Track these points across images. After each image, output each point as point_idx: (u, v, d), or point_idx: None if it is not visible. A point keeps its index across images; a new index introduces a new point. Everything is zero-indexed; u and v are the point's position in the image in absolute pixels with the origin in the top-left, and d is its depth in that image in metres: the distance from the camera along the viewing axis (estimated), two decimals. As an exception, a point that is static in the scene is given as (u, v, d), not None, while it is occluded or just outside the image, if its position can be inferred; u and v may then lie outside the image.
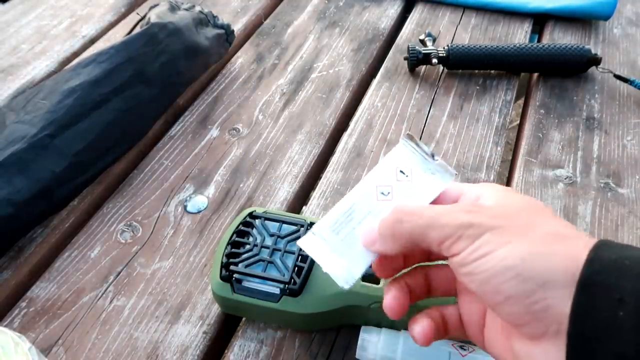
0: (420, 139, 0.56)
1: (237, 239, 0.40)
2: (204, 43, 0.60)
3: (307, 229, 0.40)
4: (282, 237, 0.40)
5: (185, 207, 0.49)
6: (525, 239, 0.26)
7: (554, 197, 0.50)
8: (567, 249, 0.25)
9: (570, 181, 0.52)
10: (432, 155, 0.33)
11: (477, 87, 0.62)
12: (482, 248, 0.26)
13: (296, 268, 0.38)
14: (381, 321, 0.38)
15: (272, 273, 0.38)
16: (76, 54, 0.68)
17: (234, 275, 0.38)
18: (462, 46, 0.62)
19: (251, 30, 0.72)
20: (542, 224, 0.26)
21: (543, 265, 0.25)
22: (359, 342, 0.37)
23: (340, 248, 0.31)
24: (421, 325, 0.31)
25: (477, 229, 0.27)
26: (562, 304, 0.24)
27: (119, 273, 0.44)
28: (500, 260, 0.25)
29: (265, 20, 0.73)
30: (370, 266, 0.31)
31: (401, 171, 0.33)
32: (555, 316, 0.24)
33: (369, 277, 0.37)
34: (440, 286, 0.33)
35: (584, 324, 0.23)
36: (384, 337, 0.37)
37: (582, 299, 0.23)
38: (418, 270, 0.33)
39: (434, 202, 0.32)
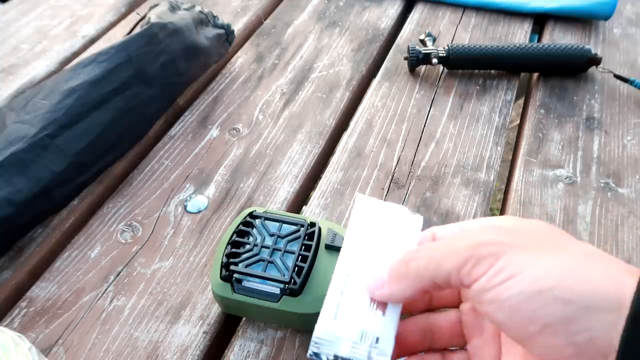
0: (420, 139, 0.56)
1: (237, 238, 0.40)
2: (204, 43, 0.60)
3: (307, 230, 0.40)
4: (282, 237, 0.40)
5: (185, 207, 0.49)
6: (557, 256, 0.22)
7: (554, 197, 0.50)
8: (607, 270, 0.22)
9: (571, 181, 0.52)
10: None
11: (477, 87, 0.62)
12: (508, 268, 0.22)
13: (296, 268, 0.38)
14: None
15: (272, 273, 0.38)
16: (76, 54, 0.68)
17: (234, 275, 0.38)
18: (462, 46, 0.62)
19: (251, 30, 0.72)
20: (571, 244, 0.23)
21: (583, 287, 0.21)
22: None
23: (357, 330, 0.27)
24: None
25: (500, 246, 0.23)
26: (609, 334, 0.20)
27: (119, 273, 0.44)
28: (532, 282, 0.21)
29: (265, 20, 0.73)
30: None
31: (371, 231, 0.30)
32: (600, 348, 0.21)
33: None
34: (443, 336, 0.30)
35: None
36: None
37: (632, 334, 0.20)
38: (418, 321, 0.30)
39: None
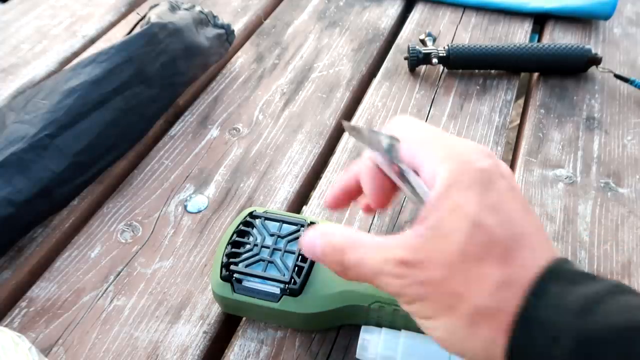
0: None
1: (237, 238, 0.40)
2: (204, 43, 0.60)
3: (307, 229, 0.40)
4: (283, 237, 0.40)
5: (185, 207, 0.49)
6: (448, 317, 0.25)
7: (554, 197, 0.50)
8: (488, 332, 0.24)
9: (571, 181, 0.52)
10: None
11: (477, 87, 0.62)
12: (417, 314, 0.27)
13: (296, 268, 0.38)
14: (381, 321, 0.38)
15: (272, 273, 0.38)
16: (76, 54, 0.68)
17: (234, 275, 0.38)
18: (463, 46, 0.62)
19: (251, 30, 0.72)
20: (471, 294, 0.25)
21: (464, 347, 0.25)
22: (360, 341, 0.37)
23: None
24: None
25: (407, 298, 0.27)
26: None
27: (119, 273, 0.44)
28: (431, 331, 0.26)
29: (265, 20, 0.73)
30: None
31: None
32: None
33: None
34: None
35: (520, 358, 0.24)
36: (384, 336, 0.37)
37: (519, 334, 0.23)
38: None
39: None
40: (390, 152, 0.27)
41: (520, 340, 0.23)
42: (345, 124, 0.30)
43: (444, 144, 0.28)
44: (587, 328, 0.22)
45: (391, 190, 0.32)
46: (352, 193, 0.33)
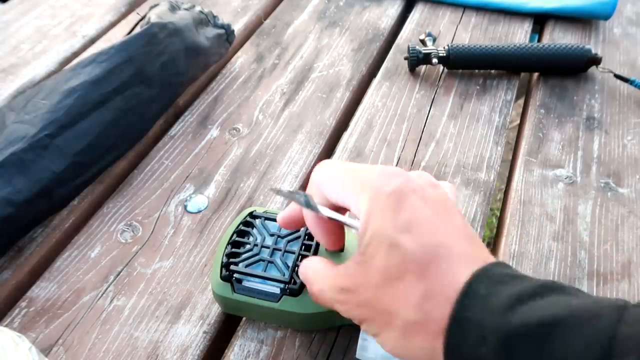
0: (421, 139, 0.56)
1: (237, 238, 0.40)
2: (204, 43, 0.60)
3: (307, 229, 0.40)
4: (283, 237, 0.40)
5: (185, 207, 0.49)
6: (387, 332, 0.28)
7: (554, 197, 0.50)
8: (423, 341, 0.26)
9: (571, 181, 0.52)
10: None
11: (477, 87, 0.62)
12: (368, 332, 0.30)
13: (296, 268, 0.38)
14: (381, 321, 0.38)
15: (273, 273, 0.38)
16: (76, 54, 0.68)
17: (234, 275, 0.38)
18: (463, 46, 0.62)
19: (251, 30, 0.72)
20: (400, 310, 0.27)
21: (411, 356, 0.27)
22: (360, 342, 0.37)
23: None
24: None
25: (356, 319, 0.30)
26: None
27: (119, 273, 0.44)
28: (382, 345, 0.29)
29: (265, 20, 0.73)
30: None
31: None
32: None
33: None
34: None
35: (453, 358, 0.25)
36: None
37: (452, 334, 0.25)
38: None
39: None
40: (310, 204, 0.31)
41: (453, 340, 0.25)
42: (272, 190, 0.40)
43: (358, 177, 0.30)
44: (507, 326, 0.24)
45: (337, 231, 0.35)
46: (299, 222, 0.36)
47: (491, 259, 0.27)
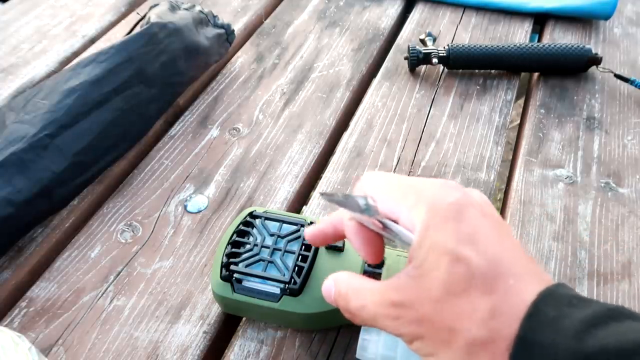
0: (421, 139, 0.56)
1: (237, 238, 0.40)
2: (204, 43, 0.60)
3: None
4: (283, 237, 0.40)
5: (185, 207, 0.49)
6: (446, 351, 0.26)
7: (554, 197, 0.50)
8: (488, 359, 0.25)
9: (571, 181, 0.52)
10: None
11: (478, 87, 0.62)
12: (419, 352, 0.27)
13: (296, 268, 0.38)
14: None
15: (273, 273, 0.38)
16: (76, 54, 0.68)
17: (234, 275, 0.38)
18: (463, 46, 0.62)
19: (251, 30, 0.72)
20: (464, 327, 0.26)
21: None
22: (360, 341, 0.37)
23: None
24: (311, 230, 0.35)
25: (407, 337, 0.28)
26: None
27: (119, 273, 0.44)
28: None
29: (265, 20, 0.73)
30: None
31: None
32: None
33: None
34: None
35: None
36: (384, 336, 0.37)
37: (518, 353, 0.24)
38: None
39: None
40: (370, 210, 0.29)
41: None
42: (323, 195, 0.38)
43: (412, 189, 0.29)
44: (583, 350, 0.23)
45: (379, 244, 0.33)
46: (328, 238, 0.35)
47: (551, 279, 0.27)
